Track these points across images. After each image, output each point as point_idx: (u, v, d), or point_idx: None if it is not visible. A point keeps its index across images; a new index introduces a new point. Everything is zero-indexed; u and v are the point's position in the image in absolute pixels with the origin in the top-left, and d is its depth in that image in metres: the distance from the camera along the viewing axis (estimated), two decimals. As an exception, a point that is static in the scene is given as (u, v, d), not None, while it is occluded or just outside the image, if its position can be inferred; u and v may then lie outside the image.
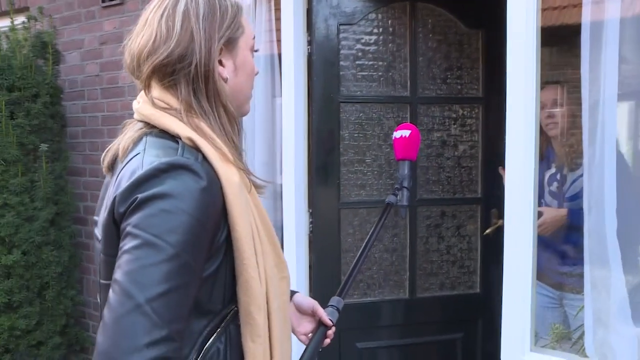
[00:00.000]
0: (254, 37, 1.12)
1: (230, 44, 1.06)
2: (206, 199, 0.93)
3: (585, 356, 1.91)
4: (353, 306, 2.63)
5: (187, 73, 1.01)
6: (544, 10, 4.48)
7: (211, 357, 0.99)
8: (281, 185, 2.70)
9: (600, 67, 1.83)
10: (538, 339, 2.26)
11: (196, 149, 0.97)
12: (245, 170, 1.05)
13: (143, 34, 1.03)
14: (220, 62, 1.05)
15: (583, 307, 1.95)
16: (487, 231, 2.63)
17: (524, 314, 1.96)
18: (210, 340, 0.99)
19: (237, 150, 1.04)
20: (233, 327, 1.02)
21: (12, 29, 3.12)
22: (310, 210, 2.59)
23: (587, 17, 1.86)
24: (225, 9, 1.05)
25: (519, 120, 1.90)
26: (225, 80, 1.06)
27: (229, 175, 0.97)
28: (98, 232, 1.03)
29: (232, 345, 1.02)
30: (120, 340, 0.84)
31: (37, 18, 3.28)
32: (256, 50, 1.14)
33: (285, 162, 2.59)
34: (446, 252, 2.71)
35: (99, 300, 1.11)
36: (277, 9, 2.67)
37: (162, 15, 1.02)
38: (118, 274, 0.88)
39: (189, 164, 0.93)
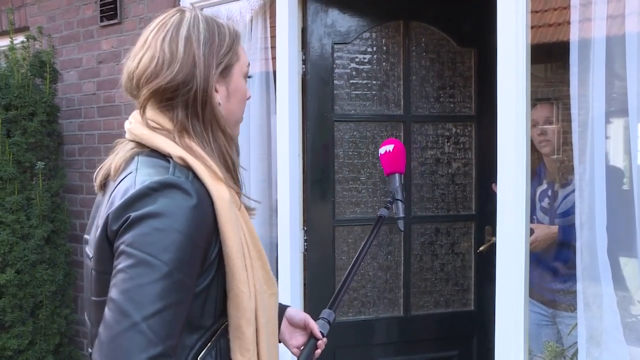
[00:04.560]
0: (248, 65, 1.14)
1: (225, 70, 1.08)
2: (197, 216, 0.95)
3: (579, 374, 1.90)
4: (348, 324, 2.63)
5: (186, 98, 1.03)
6: (538, 27, 4.54)
7: None
8: (276, 201, 2.70)
9: (589, 86, 1.85)
10: (532, 357, 2.25)
11: (187, 167, 0.99)
12: (235, 190, 1.06)
13: (143, 55, 1.04)
14: (215, 88, 1.06)
15: (576, 325, 1.94)
16: (481, 248, 2.64)
17: (517, 331, 1.95)
18: (201, 354, 1.01)
19: (230, 170, 1.07)
20: (223, 341, 1.04)
21: (11, 48, 3.15)
22: (305, 228, 2.60)
23: (575, 35, 1.89)
24: (223, 36, 1.07)
25: (510, 138, 1.91)
26: (219, 104, 1.07)
27: (220, 192, 0.99)
28: (89, 249, 1.05)
29: (222, 358, 1.03)
30: (117, 358, 0.86)
31: (36, 37, 3.31)
32: (249, 77, 1.16)
33: (280, 179, 2.60)
34: (440, 270, 2.71)
35: (86, 318, 1.11)
36: (273, 27, 2.71)
37: (164, 39, 1.03)
38: (114, 293, 0.90)
39: (179, 182, 0.95)
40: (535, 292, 2.55)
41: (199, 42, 1.04)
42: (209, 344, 1.02)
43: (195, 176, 0.99)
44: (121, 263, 0.91)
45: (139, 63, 1.04)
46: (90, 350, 1.03)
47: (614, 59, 1.84)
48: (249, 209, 1.12)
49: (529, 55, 1.93)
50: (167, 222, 0.91)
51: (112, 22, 3.13)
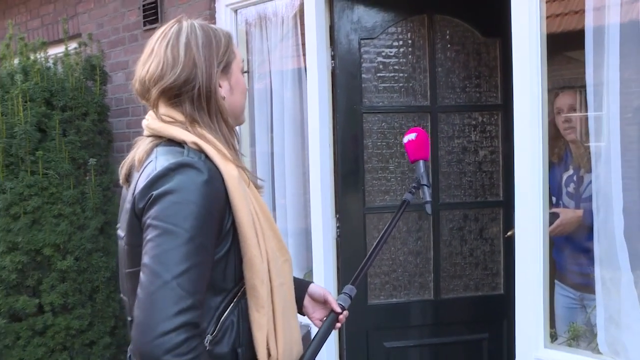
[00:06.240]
0: (243, 60, 1.31)
1: (226, 68, 1.24)
2: (209, 190, 1.10)
3: (599, 353, 1.96)
4: (380, 307, 2.74)
5: (191, 94, 1.19)
6: (574, 13, 4.48)
7: (226, 329, 1.16)
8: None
9: (604, 72, 1.89)
10: (558, 337, 2.31)
11: (200, 150, 1.15)
12: (243, 168, 1.22)
13: (150, 62, 1.20)
14: (219, 84, 1.22)
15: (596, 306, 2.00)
16: (509, 233, 2.69)
17: (537, 312, 2.02)
18: (225, 314, 1.16)
19: (236, 153, 1.22)
20: (243, 302, 1.19)
21: (66, 54, 3.41)
22: (338, 216, 2.72)
23: (589, 22, 1.93)
24: (219, 38, 1.23)
25: (526, 127, 1.98)
26: (224, 98, 1.24)
27: (229, 170, 1.15)
28: (121, 232, 1.22)
29: (243, 317, 1.18)
30: (155, 312, 1.02)
31: (87, 43, 3.56)
32: (246, 72, 1.30)
33: (312, 170, 2.74)
34: (469, 255, 2.78)
35: (121, 290, 1.28)
36: (304, 24, 2.83)
37: (167, 46, 1.19)
38: (146, 259, 1.06)
39: (192, 162, 1.11)
40: (564, 276, 2.60)
41: (198, 45, 1.19)
42: (231, 304, 1.17)
43: (207, 157, 1.14)
44: (149, 234, 1.07)
45: (148, 69, 1.20)
46: (129, 318, 1.19)
47: (628, 45, 1.87)
48: (257, 187, 1.27)
49: (544, 44, 1.98)
50: (183, 196, 1.07)
51: (154, 26, 3.33)
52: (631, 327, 1.89)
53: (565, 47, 3.36)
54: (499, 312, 2.76)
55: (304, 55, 2.85)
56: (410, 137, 1.62)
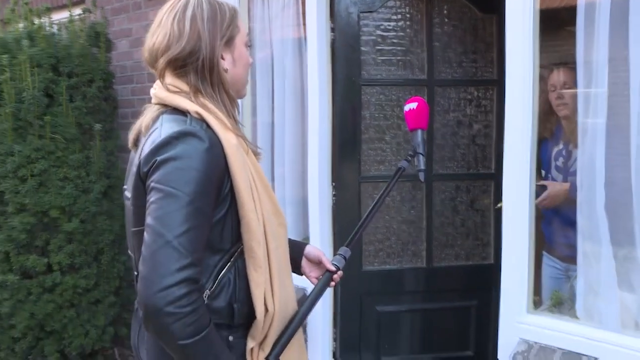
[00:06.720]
0: (247, 34, 1.37)
1: (229, 41, 1.31)
2: (210, 157, 1.18)
3: (577, 318, 2.08)
4: (373, 273, 2.86)
5: (195, 65, 1.27)
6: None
7: (224, 285, 1.27)
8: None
9: (593, 49, 1.95)
10: (542, 305, 2.42)
11: (202, 120, 1.23)
12: (243, 137, 1.30)
13: (158, 33, 1.28)
14: (222, 56, 1.30)
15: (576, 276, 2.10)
16: (499, 205, 2.77)
17: (522, 280, 2.12)
18: (223, 272, 1.26)
19: (236, 122, 1.31)
20: (240, 262, 1.28)
21: (71, 20, 3.45)
22: (334, 184, 2.81)
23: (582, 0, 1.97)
24: (224, 13, 1.30)
25: (517, 101, 2.05)
26: (226, 70, 1.31)
27: (228, 139, 1.23)
28: (128, 193, 1.32)
29: (240, 276, 1.28)
30: (157, 268, 1.11)
31: (91, 10, 3.60)
32: (249, 46, 1.38)
33: (310, 139, 2.81)
34: (461, 225, 2.88)
35: (129, 247, 1.38)
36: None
37: (174, 18, 1.27)
38: (149, 220, 1.15)
39: (195, 131, 1.19)
40: (552, 247, 2.69)
41: (203, 19, 1.27)
42: (229, 263, 1.27)
43: (209, 126, 1.22)
44: (153, 197, 1.16)
45: (155, 41, 1.28)
46: (136, 272, 1.30)
47: (618, 23, 1.92)
48: (256, 154, 1.36)
49: (537, 20, 2.03)
50: (186, 163, 1.15)
51: (158, -6, 3.36)
52: (607, 294, 1.99)
53: (569, 22, 3.39)
54: (488, 280, 2.86)
55: (305, 24, 2.89)
56: (411, 106, 1.68)
